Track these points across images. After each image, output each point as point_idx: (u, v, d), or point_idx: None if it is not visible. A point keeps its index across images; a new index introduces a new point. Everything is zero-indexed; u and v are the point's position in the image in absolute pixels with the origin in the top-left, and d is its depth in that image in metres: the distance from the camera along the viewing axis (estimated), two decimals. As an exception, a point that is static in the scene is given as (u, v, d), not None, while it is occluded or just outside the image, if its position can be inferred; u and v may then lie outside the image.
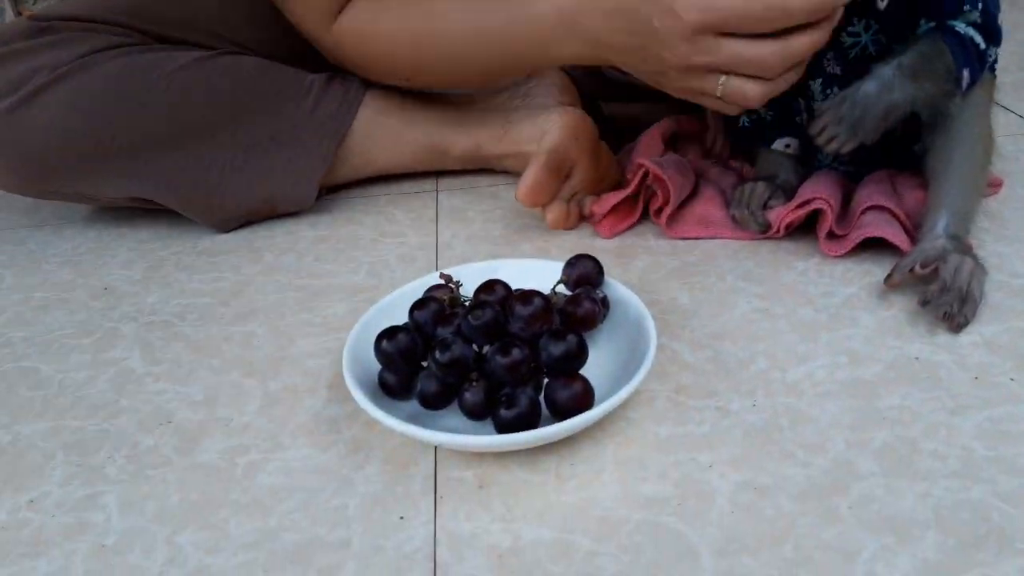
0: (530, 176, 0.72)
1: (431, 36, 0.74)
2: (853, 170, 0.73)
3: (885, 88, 0.59)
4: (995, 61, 0.66)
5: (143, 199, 0.80)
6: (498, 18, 0.71)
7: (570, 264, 0.60)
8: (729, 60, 0.59)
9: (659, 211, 0.74)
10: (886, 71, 0.60)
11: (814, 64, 0.66)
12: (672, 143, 0.85)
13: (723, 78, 0.61)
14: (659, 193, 0.74)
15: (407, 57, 0.77)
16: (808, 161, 0.74)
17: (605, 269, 0.60)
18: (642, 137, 0.83)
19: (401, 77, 0.80)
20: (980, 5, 0.60)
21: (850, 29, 0.64)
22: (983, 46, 0.60)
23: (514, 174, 0.86)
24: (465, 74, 0.78)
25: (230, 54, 0.79)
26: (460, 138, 0.84)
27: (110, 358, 0.64)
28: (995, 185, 0.74)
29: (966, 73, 0.60)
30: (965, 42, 0.59)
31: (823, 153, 0.69)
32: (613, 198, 0.75)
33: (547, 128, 0.76)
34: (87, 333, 0.67)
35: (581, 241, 0.75)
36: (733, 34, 0.58)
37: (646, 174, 0.74)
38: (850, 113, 0.60)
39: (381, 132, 0.83)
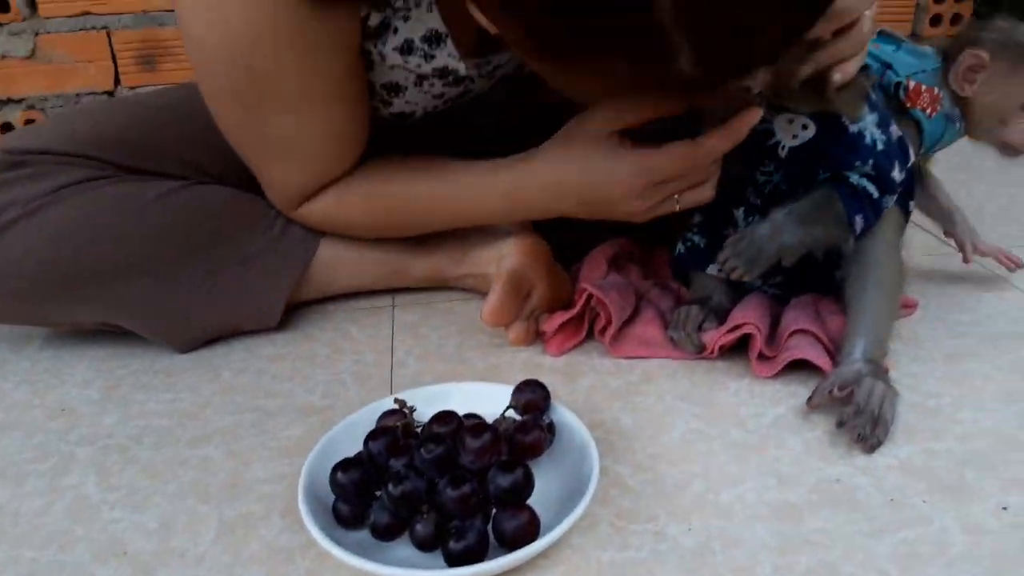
0: (493, 300, 0.77)
1: (390, 218, 0.83)
2: (780, 293, 0.79)
3: (776, 231, 0.67)
4: (910, 200, 0.73)
5: (108, 323, 0.82)
6: (450, 205, 0.80)
7: (519, 389, 0.63)
8: (676, 188, 0.70)
9: (603, 330, 0.78)
10: (779, 216, 0.68)
11: (738, 196, 0.73)
12: (615, 263, 0.90)
13: (677, 197, 0.71)
14: (602, 314, 0.78)
15: (368, 230, 0.85)
16: (739, 284, 0.80)
17: (552, 389, 0.64)
18: (587, 259, 0.89)
19: (362, 239, 0.87)
20: (871, 161, 0.67)
21: (763, 169, 0.71)
22: (876, 195, 0.67)
23: (470, 291, 0.91)
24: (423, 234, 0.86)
25: (200, 183, 0.83)
26: (419, 261, 0.89)
27: (66, 484, 0.65)
28: (909, 306, 0.80)
29: (859, 219, 0.67)
30: (859, 192, 0.66)
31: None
32: (559, 318, 0.79)
33: (505, 252, 0.82)
34: (44, 457, 0.68)
35: (532, 358, 0.79)
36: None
37: (590, 296, 0.79)
38: (747, 250, 0.68)
39: (343, 257, 0.87)
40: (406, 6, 0.71)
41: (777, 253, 0.68)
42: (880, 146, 0.67)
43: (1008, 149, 0.81)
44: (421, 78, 0.77)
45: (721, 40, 0.45)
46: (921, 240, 0.98)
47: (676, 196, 0.71)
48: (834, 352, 0.71)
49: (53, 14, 1.39)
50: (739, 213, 0.75)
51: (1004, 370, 0.73)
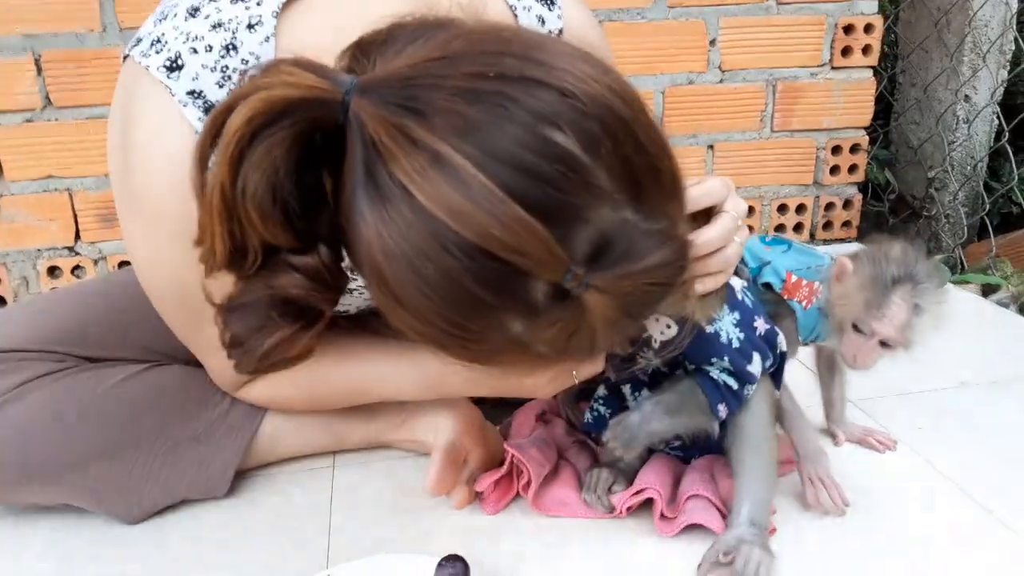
0: (433, 472, 0.85)
1: (322, 399, 0.91)
2: (682, 454, 0.88)
3: (646, 420, 0.77)
4: (779, 376, 0.84)
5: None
6: (376, 390, 0.88)
7: (440, 565, 0.70)
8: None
9: (527, 486, 0.86)
10: (647, 406, 0.78)
11: (628, 376, 0.84)
12: (543, 418, 0.99)
13: (574, 372, 0.79)
14: (524, 472, 0.87)
15: (304, 407, 0.93)
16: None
17: (477, 556, 0.71)
18: (516, 415, 0.98)
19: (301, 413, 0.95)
20: (727, 358, 0.77)
21: (643, 352, 0.80)
22: (736, 387, 0.77)
23: (409, 451, 0.98)
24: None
25: (157, 365, 0.90)
26: (359, 430, 0.96)
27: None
28: (788, 463, 0.89)
29: (721, 407, 0.77)
30: (719, 384, 0.77)
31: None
32: (489, 478, 0.87)
33: (440, 424, 0.90)
34: (-4, 640, 0.72)
35: (461, 521, 0.86)
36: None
37: (514, 455, 0.87)
38: (622, 435, 0.77)
39: (286, 427, 0.94)
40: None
41: (648, 438, 0.78)
42: (736, 344, 0.77)
43: (841, 357, 0.86)
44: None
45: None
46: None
47: (574, 371, 0.79)
48: (726, 512, 0.80)
49: (18, 178, 1.48)
50: (627, 389, 0.85)
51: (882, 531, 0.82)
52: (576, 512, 0.86)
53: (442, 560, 0.71)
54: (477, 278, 0.47)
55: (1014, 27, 1.71)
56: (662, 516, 0.82)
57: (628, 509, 0.83)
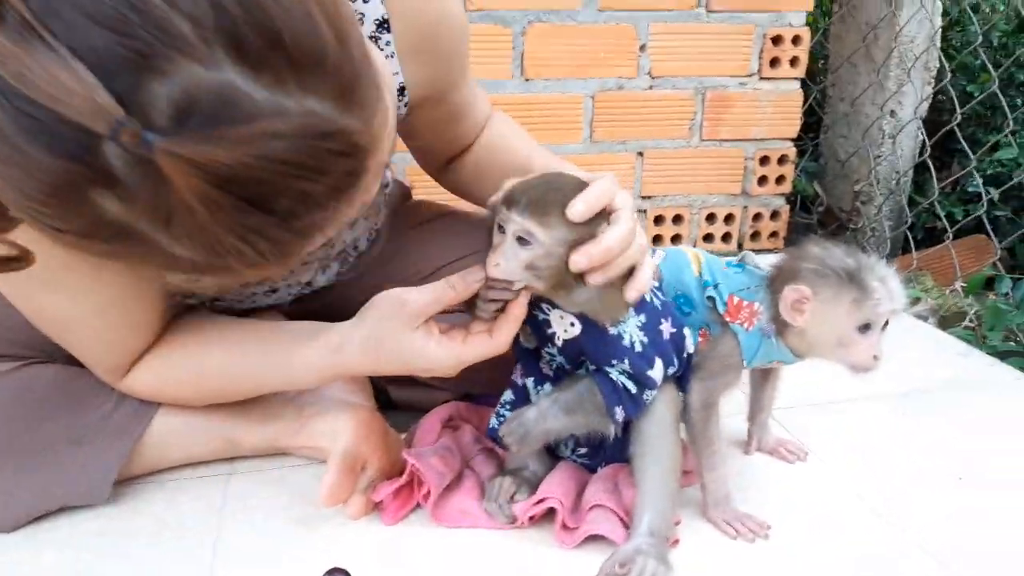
0: (329, 481, 0.80)
1: (215, 390, 0.86)
2: (588, 461, 0.85)
3: (541, 417, 0.75)
4: (684, 381, 0.82)
5: None
6: (271, 378, 0.84)
7: (321, 579, 0.66)
8: None
9: (427, 496, 0.82)
10: (544, 404, 0.76)
11: (530, 369, 0.82)
12: (450, 423, 0.95)
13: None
14: (424, 482, 0.83)
15: (196, 400, 0.88)
16: (553, 453, 0.86)
17: (371, 567, 0.67)
18: (422, 422, 0.94)
19: (191, 406, 0.89)
20: (627, 361, 0.74)
21: (547, 349, 0.78)
22: (635, 391, 0.75)
23: (306, 458, 0.93)
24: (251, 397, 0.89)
25: (34, 362, 0.84)
26: (255, 433, 0.91)
27: None
28: (688, 472, 0.87)
29: (618, 410, 0.75)
30: (617, 387, 0.74)
31: (564, 446, 0.85)
32: (386, 488, 0.83)
33: (339, 429, 0.85)
34: None
35: (355, 537, 0.81)
36: None
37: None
38: (516, 430, 0.75)
39: (177, 430, 0.89)
40: None
41: (543, 435, 0.76)
42: (638, 347, 0.75)
43: (856, 368, 0.80)
44: None
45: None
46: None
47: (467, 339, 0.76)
48: (628, 523, 0.77)
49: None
50: (530, 382, 0.83)
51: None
52: (478, 522, 0.82)
53: (324, 574, 0.67)
54: (23, 128, 0.40)
55: (938, 44, 1.74)
56: (564, 526, 0.79)
57: (531, 519, 0.80)
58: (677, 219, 1.74)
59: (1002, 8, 1.96)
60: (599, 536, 0.77)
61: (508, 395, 0.85)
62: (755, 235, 1.80)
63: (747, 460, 0.95)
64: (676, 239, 1.76)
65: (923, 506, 0.87)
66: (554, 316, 0.74)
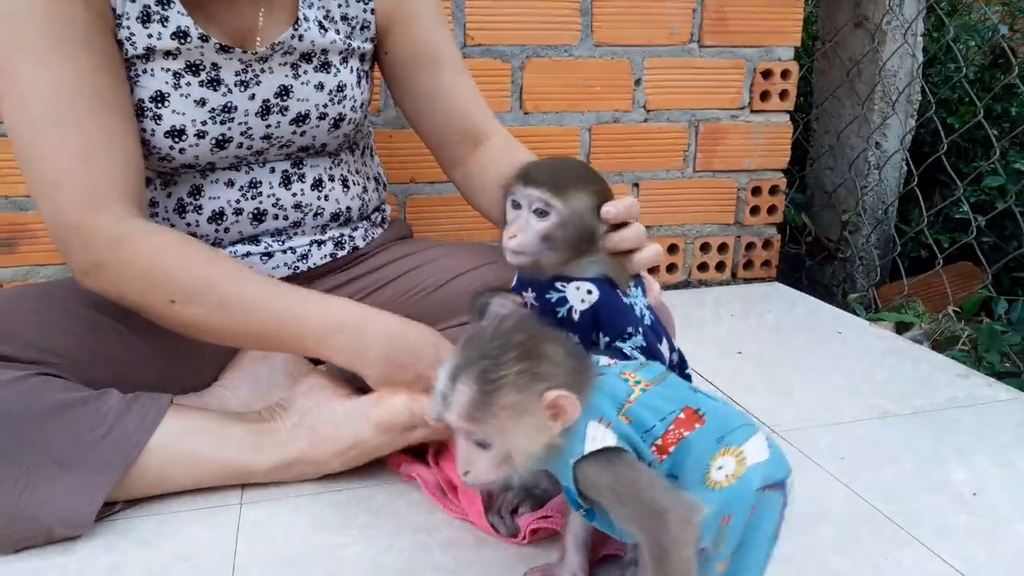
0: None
1: (221, 290, 0.87)
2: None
3: None
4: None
5: None
6: (287, 318, 0.87)
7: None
8: None
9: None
10: None
11: None
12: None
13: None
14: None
15: (188, 291, 0.86)
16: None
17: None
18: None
19: (168, 299, 0.86)
20: (640, 330, 0.75)
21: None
22: None
23: (322, 489, 0.92)
24: (235, 332, 0.89)
25: (42, 376, 0.84)
26: (266, 455, 0.90)
27: None
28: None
29: None
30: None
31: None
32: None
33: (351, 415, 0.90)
34: None
35: (375, 557, 0.80)
36: None
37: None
38: None
39: (181, 452, 0.87)
40: None
41: None
42: (648, 321, 0.76)
43: None
44: (178, 75, 0.91)
45: None
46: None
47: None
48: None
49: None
50: None
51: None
52: (484, 526, 0.83)
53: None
54: None
55: (920, 78, 1.79)
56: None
57: (533, 533, 0.81)
58: (672, 248, 1.76)
59: (973, 45, 2.03)
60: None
61: None
62: (748, 264, 1.82)
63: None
64: (671, 268, 1.77)
65: (943, 519, 0.87)
66: (570, 290, 0.75)
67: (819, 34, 1.99)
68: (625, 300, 0.76)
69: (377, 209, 1.18)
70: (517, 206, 0.74)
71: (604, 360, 0.69)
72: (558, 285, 0.75)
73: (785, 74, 1.70)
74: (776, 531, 0.63)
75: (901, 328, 1.54)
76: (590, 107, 1.62)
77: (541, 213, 0.72)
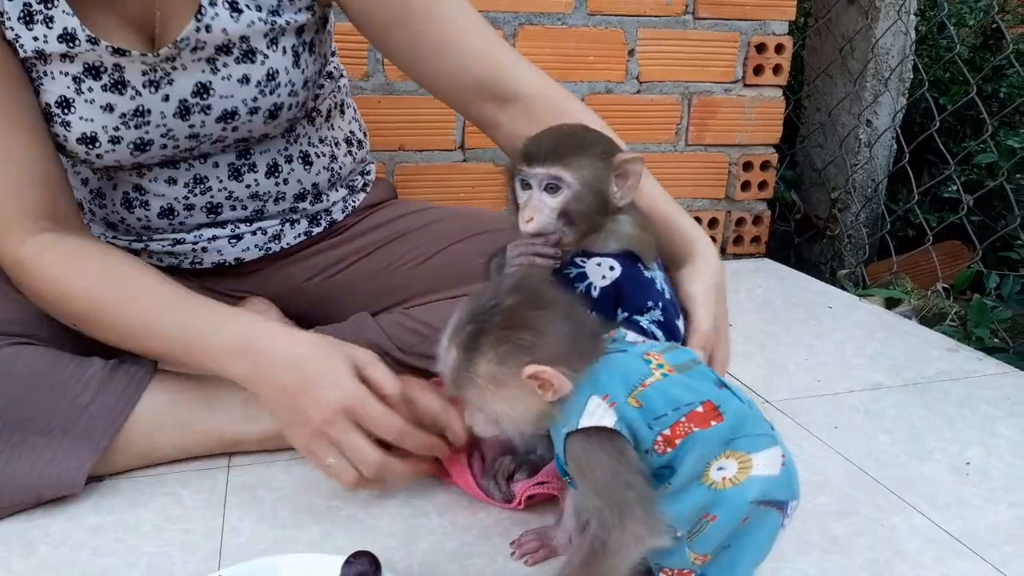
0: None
1: (113, 304, 0.82)
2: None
3: None
4: None
5: None
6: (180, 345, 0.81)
7: (348, 563, 0.64)
8: (347, 445, 0.75)
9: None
10: None
11: None
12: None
13: (334, 457, 0.76)
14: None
15: (76, 304, 0.82)
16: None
17: (388, 555, 0.65)
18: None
19: (71, 321, 0.84)
20: (660, 304, 0.74)
21: None
22: (664, 341, 0.74)
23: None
24: (145, 353, 0.85)
25: (16, 344, 0.80)
26: (258, 424, 0.88)
27: None
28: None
29: None
30: (647, 335, 0.73)
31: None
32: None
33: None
34: None
35: (368, 521, 0.79)
36: (363, 429, 0.75)
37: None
38: None
39: (169, 421, 0.85)
40: None
41: None
42: (668, 295, 0.76)
43: None
44: (78, 80, 0.81)
45: None
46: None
47: (332, 456, 0.76)
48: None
49: None
50: None
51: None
52: (476, 493, 0.81)
53: (349, 557, 0.64)
54: None
55: (913, 56, 1.79)
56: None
57: (529, 499, 0.79)
58: (663, 223, 1.75)
59: (971, 23, 2.03)
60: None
61: None
62: (738, 239, 1.81)
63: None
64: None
65: (937, 487, 0.87)
66: (590, 266, 0.73)
67: (811, 10, 1.98)
68: (647, 274, 0.75)
69: (355, 172, 1.10)
70: (527, 186, 0.72)
71: (632, 336, 0.65)
72: (578, 261, 0.74)
73: (779, 48, 1.69)
74: (767, 548, 0.62)
75: (890, 304, 1.54)
76: (583, 77, 1.60)
77: (552, 189, 0.70)
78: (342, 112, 1.08)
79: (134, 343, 0.83)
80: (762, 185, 1.79)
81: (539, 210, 0.70)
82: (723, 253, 1.81)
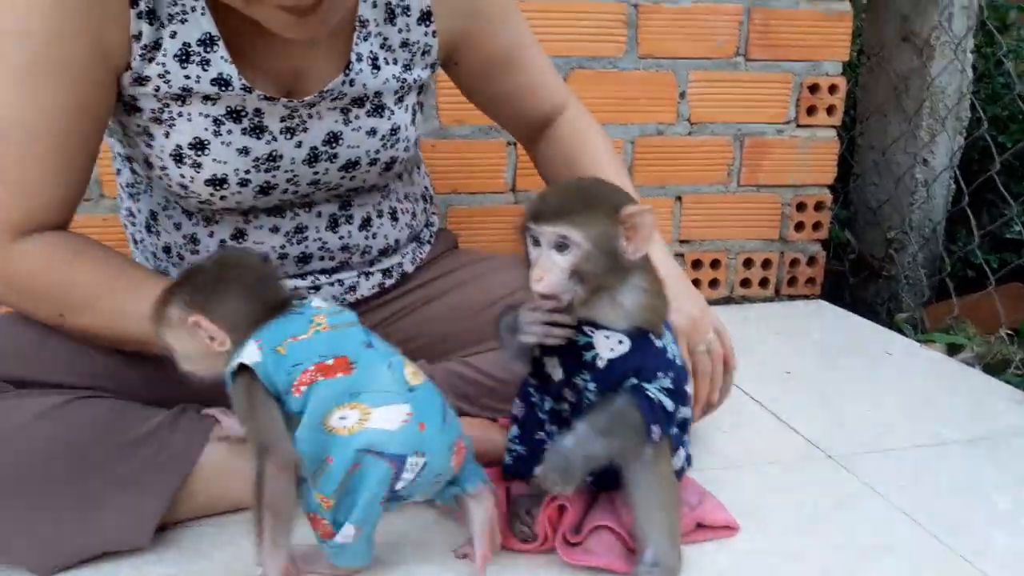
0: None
1: (81, 295, 0.82)
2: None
3: (580, 444, 0.71)
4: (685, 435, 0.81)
5: None
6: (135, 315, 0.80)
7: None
8: None
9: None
10: (580, 427, 0.71)
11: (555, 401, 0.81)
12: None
13: None
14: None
15: (46, 297, 0.82)
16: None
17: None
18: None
19: (54, 314, 0.83)
20: (671, 373, 0.73)
21: (581, 375, 0.75)
22: (671, 408, 0.73)
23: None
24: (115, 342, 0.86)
25: (84, 399, 0.82)
26: None
27: None
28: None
29: (655, 428, 0.72)
30: (654, 404, 0.72)
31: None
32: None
33: None
34: None
35: (458, 565, 0.79)
36: None
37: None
38: (558, 464, 0.70)
39: (235, 467, 0.85)
40: (182, 11, 0.79)
41: (585, 464, 0.71)
42: (679, 361, 0.75)
43: None
44: (218, 122, 0.84)
45: None
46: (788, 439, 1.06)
47: None
48: (631, 545, 0.79)
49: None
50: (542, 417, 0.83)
51: None
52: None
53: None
54: None
55: (970, 94, 1.76)
56: (564, 540, 0.80)
57: (553, 530, 0.81)
58: (715, 264, 1.74)
59: (1029, 61, 1.99)
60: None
61: (514, 430, 0.85)
62: (792, 281, 1.79)
63: (817, 510, 0.92)
64: (714, 283, 1.75)
65: (1015, 556, 0.84)
66: (598, 337, 0.73)
67: (864, 48, 1.96)
68: (658, 344, 0.74)
69: (426, 225, 1.14)
70: (537, 243, 0.71)
71: (317, 302, 0.78)
72: (586, 330, 0.73)
73: (832, 89, 1.68)
74: (376, 494, 0.70)
75: (952, 350, 1.50)
76: (634, 119, 1.60)
77: (561, 247, 0.69)
78: (419, 168, 1.13)
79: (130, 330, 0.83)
80: (816, 226, 1.77)
81: (549, 269, 0.69)
82: (776, 294, 1.79)
